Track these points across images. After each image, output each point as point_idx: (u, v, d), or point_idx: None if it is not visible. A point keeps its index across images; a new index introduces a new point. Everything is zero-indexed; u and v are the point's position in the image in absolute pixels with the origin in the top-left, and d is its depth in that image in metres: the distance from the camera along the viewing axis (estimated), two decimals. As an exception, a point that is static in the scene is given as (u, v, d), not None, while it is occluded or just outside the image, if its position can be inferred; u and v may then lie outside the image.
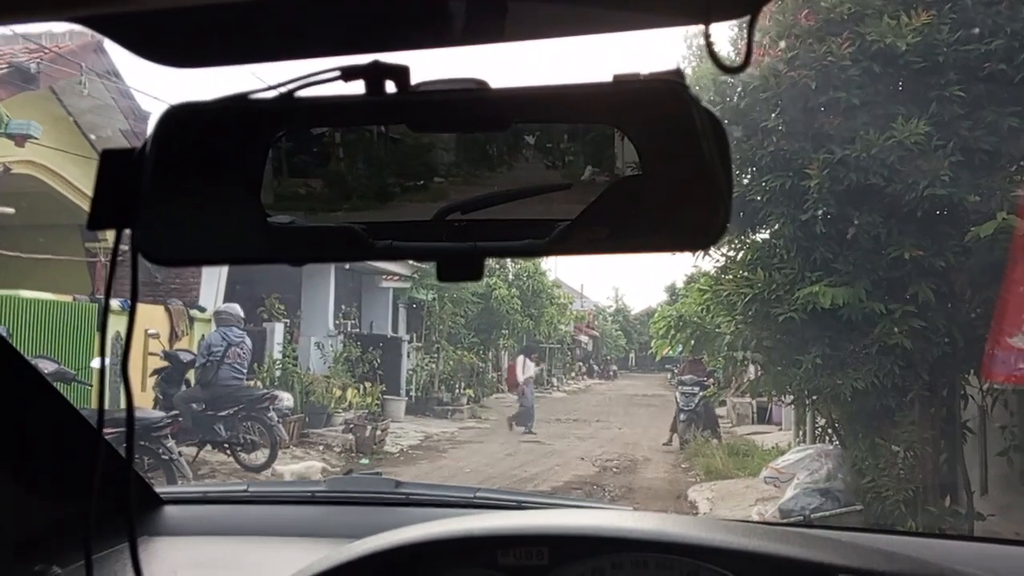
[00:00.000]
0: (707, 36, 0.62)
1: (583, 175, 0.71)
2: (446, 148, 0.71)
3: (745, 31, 0.68)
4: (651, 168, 0.65)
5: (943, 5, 6.01)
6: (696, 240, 0.67)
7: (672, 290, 25.66)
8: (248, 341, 10.50)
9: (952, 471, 6.84)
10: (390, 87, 0.66)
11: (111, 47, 10.50)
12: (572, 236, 0.65)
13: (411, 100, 0.66)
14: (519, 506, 1.76)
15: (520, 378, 15.29)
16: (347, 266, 15.99)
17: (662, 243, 0.66)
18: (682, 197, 0.64)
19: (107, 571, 1.39)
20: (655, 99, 0.64)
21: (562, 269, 30.96)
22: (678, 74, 0.65)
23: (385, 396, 15.10)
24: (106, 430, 0.87)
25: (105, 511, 0.89)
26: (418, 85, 0.67)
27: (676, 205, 0.64)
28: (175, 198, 0.67)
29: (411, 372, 17.47)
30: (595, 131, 0.70)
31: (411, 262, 16.78)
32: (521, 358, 16.08)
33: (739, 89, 6.61)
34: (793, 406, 9.15)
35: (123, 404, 0.88)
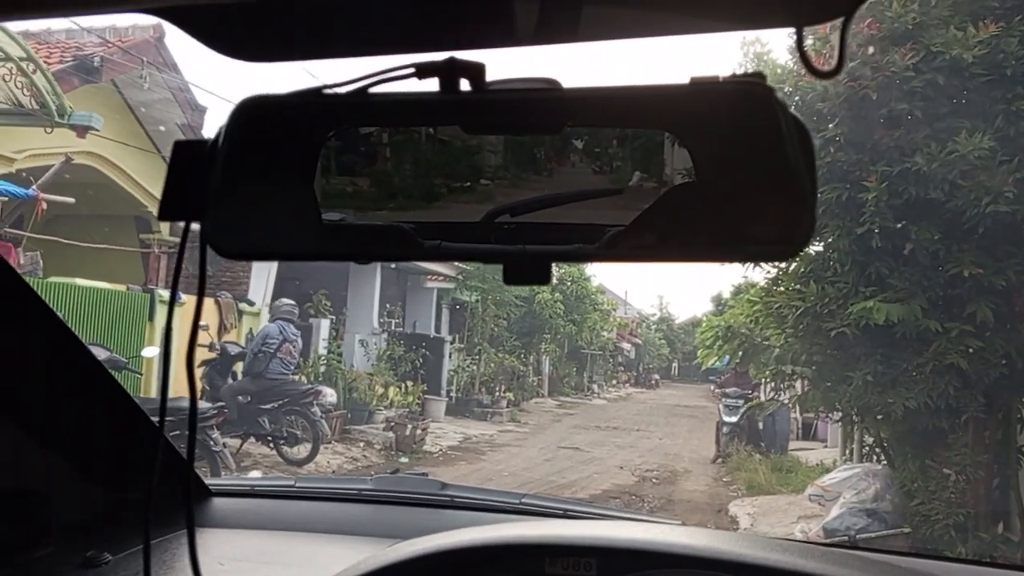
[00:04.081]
0: (799, 39, 0.59)
1: (654, 179, 0.69)
2: (512, 148, 0.70)
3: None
4: (732, 174, 0.62)
5: (1012, 16, 5.84)
6: (779, 250, 0.64)
7: (718, 300, 25.36)
8: (300, 340, 10.66)
9: (1005, 497, 6.64)
10: (464, 85, 0.64)
11: (171, 43, 10.75)
12: (647, 241, 0.63)
13: (487, 99, 0.64)
14: (565, 514, 1.74)
15: None
16: (393, 265, 16.12)
17: (742, 252, 0.64)
18: (766, 205, 0.61)
19: (156, 559, 1.40)
20: (738, 102, 0.62)
21: (606, 276, 30.78)
22: (761, 76, 0.63)
23: (426, 396, 15.18)
24: (156, 419, 0.87)
25: (157, 500, 0.89)
26: (492, 84, 0.65)
27: (759, 213, 0.62)
28: (245, 191, 0.66)
29: (452, 373, 17.54)
30: (657, 132, 0.68)
31: (456, 263, 16.91)
32: None
33: (796, 98, 6.50)
34: (840, 423, 8.97)
35: (173, 394, 0.88)
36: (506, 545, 1.22)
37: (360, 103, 0.65)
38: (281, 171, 0.67)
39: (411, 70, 0.64)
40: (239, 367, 10.43)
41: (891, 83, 5.99)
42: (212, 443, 7.70)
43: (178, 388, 1.27)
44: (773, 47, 7.39)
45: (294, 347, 10.33)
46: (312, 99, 0.66)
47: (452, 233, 0.68)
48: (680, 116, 0.65)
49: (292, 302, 10.91)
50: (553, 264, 0.70)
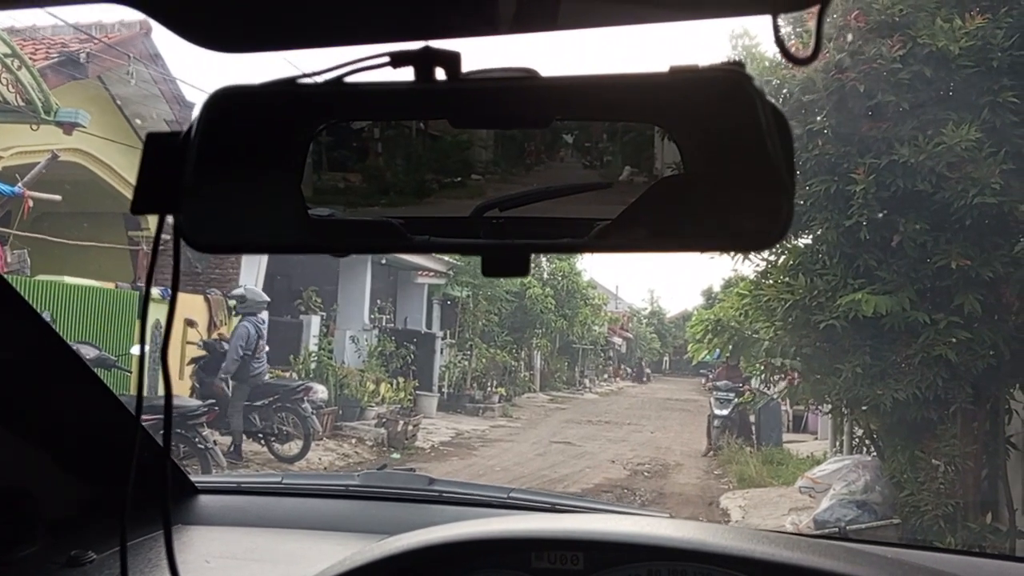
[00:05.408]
0: (775, 26, 0.59)
1: (633, 171, 0.68)
2: (488, 143, 0.69)
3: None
4: (710, 163, 0.62)
5: (999, 8, 5.86)
6: (757, 240, 0.64)
7: (709, 294, 25.42)
8: (265, 328, 10.36)
9: (994, 487, 6.68)
10: (440, 74, 0.64)
11: (158, 37, 10.68)
12: (626, 232, 0.62)
13: (463, 87, 0.64)
14: (553, 508, 1.74)
15: None
16: (383, 261, 16.10)
17: (721, 242, 0.63)
18: (744, 194, 0.61)
19: (141, 558, 1.39)
20: (717, 91, 0.62)
21: (597, 270, 30.87)
22: (740, 65, 0.62)
23: (418, 392, 15.17)
24: (144, 417, 0.87)
25: (141, 498, 0.88)
26: (468, 73, 0.65)
27: (738, 202, 0.61)
28: (219, 183, 0.66)
29: (444, 369, 17.53)
30: (646, 125, 0.68)
31: (447, 258, 16.88)
32: None
33: (784, 90, 6.51)
34: (831, 415, 9.01)
35: (161, 391, 0.88)
36: (493, 540, 1.22)
37: (335, 92, 0.64)
38: (256, 162, 0.66)
39: (386, 59, 0.63)
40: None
41: (878, 75, 6.01)
42: (201, 441, 7.66)
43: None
44: (761, 40, 7.40)
45: (263, 340, 10.13)
46: (286, 89, 0.65)
47: (439, 228, 0.67)
48: (659, 104, 0.64)
49: (260, 294, 10.50)
50: (533, 256, 0.69)
